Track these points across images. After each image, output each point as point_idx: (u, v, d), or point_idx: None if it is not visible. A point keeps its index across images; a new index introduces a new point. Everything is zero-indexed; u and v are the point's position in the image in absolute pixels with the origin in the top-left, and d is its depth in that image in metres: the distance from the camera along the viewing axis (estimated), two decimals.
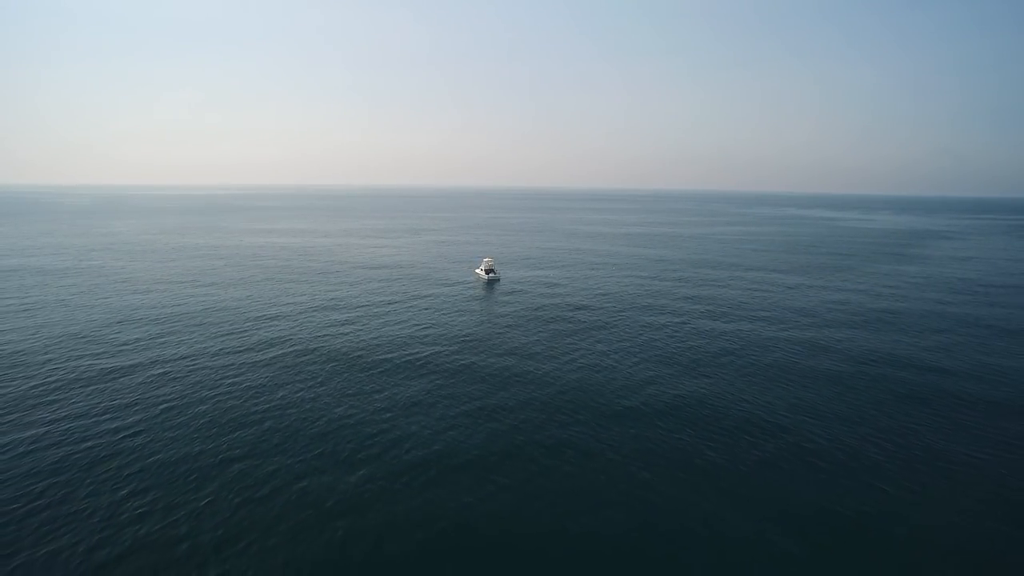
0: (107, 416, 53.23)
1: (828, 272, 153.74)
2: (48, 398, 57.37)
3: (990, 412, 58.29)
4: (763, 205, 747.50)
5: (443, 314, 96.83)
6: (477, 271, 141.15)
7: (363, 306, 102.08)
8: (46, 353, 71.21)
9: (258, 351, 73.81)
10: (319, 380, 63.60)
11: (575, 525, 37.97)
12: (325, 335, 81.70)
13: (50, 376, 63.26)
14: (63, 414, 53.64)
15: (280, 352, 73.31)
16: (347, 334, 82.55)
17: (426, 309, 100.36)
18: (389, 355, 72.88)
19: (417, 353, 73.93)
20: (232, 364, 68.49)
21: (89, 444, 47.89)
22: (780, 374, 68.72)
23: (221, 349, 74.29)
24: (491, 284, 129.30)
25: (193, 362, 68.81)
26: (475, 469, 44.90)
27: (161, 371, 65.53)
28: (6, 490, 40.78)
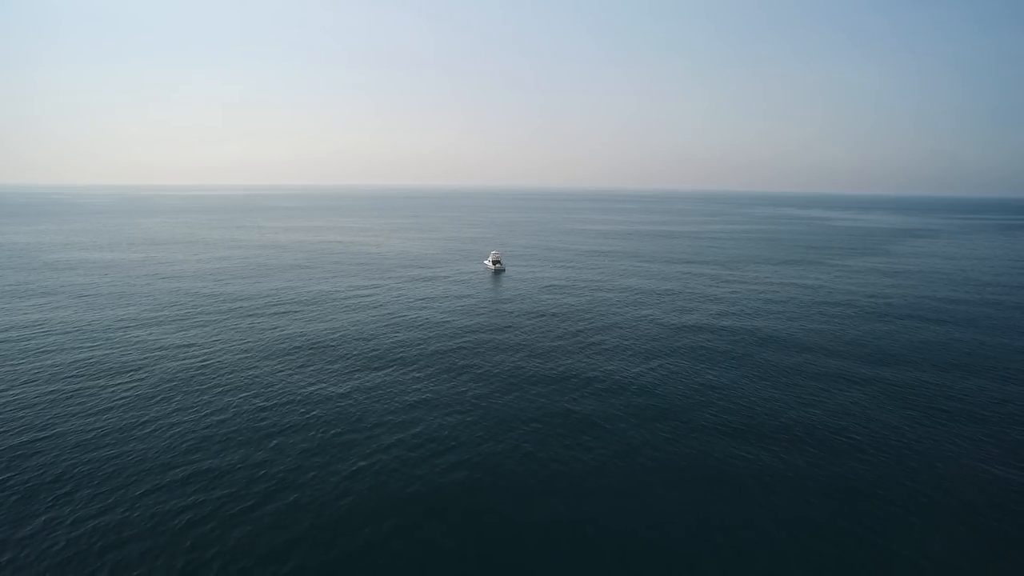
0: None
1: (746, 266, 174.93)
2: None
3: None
4: (763, 204, 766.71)
5: (461, 295, 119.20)
6: (486, 262, 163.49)
7: (397, 287, 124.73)
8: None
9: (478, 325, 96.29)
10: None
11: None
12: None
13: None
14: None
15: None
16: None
17: (452, 287, 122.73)
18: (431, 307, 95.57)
19: (448, 306, 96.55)
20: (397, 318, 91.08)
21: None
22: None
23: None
24: (498, 273, 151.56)
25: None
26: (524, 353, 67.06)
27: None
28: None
